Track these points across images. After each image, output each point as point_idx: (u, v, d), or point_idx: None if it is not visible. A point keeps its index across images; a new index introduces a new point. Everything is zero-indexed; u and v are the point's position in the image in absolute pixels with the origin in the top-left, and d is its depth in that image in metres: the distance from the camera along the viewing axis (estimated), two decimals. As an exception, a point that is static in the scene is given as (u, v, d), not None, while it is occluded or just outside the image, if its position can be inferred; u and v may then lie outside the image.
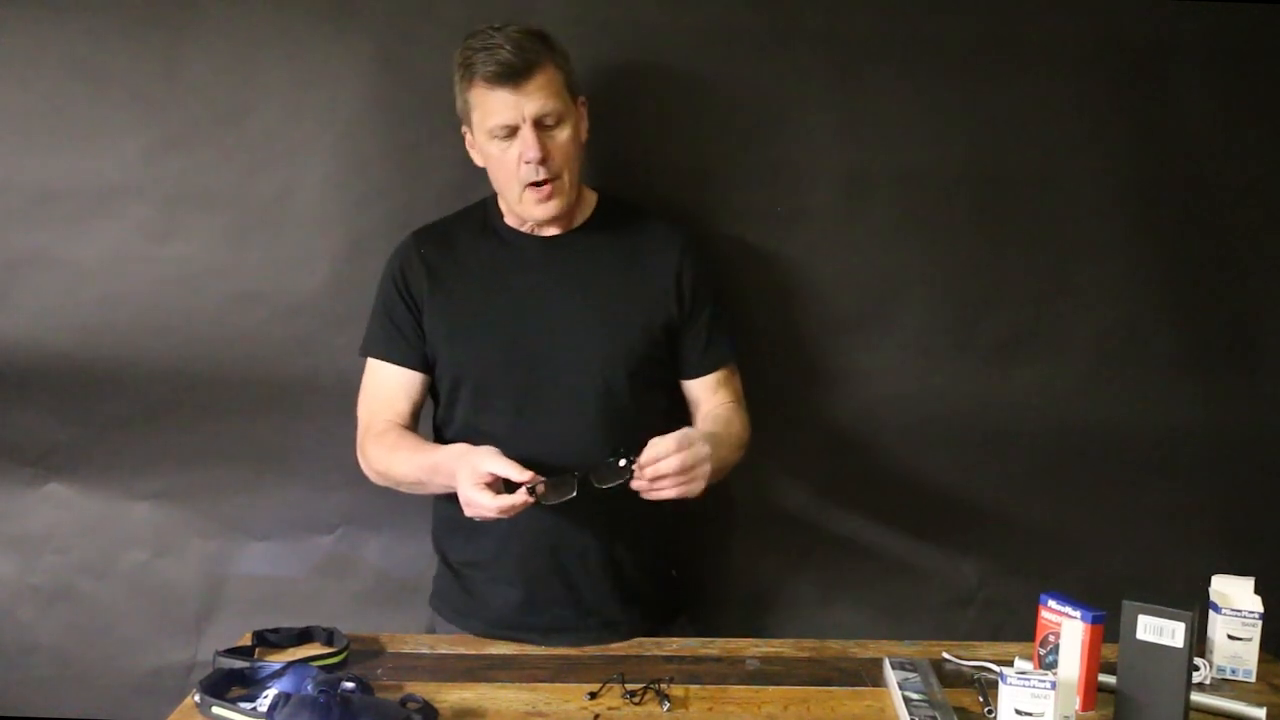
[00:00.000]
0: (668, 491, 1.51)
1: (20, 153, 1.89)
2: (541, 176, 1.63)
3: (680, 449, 1.50)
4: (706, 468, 1.53)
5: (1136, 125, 1.92)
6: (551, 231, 1.73)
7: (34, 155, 1.89)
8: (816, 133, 1.92)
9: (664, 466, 1.50)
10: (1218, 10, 1.89)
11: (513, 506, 1.49)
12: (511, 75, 1.58)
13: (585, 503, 1.53)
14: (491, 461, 1.51)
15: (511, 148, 1.63)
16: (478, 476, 1.51)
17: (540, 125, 1.61)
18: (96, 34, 1.86)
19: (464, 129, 1.70)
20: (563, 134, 1.64)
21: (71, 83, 1.87)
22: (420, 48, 1.88)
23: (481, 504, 1.50)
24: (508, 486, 1.51)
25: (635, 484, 1.51)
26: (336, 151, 1.90)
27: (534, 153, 1.61)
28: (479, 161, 1.70)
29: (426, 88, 1.87)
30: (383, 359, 1.74)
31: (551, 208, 1.66)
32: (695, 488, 1.53)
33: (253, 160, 1.90)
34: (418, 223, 1.83)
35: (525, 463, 1.53)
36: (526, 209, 1.67)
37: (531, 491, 1.49)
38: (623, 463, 1.51)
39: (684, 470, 1.50)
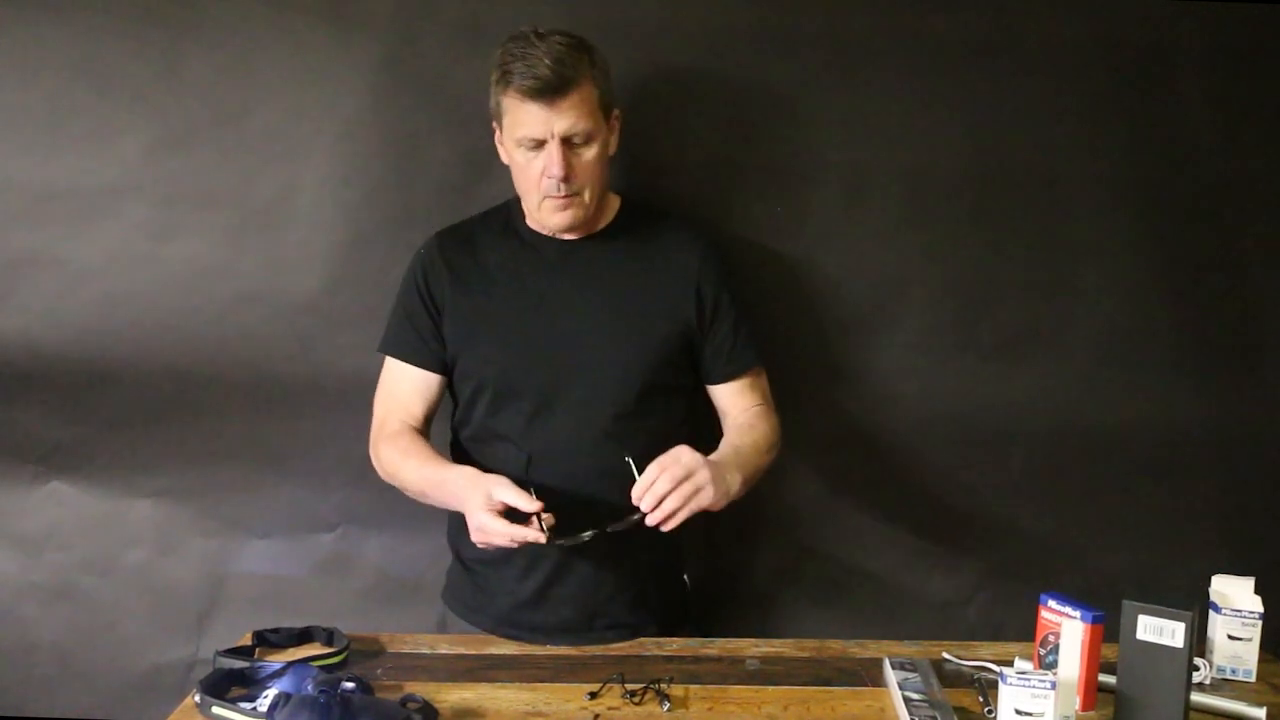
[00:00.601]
0: (679, 512, 1.49)
1: (20, 153, 1.89)
2: (563, 193, 1.62)
3: (663, 469, 1.49)
4: (705, 473, 1.51)
5: (1136, 125, 1.92)
6: (573, 235, 1.72)
7: (34, 155, 1.89)
8: (817, 133, 1.91)
9: (659, 487, 1.48)
10: (1218, 10, 1.89)
11: (525, 539, 1.49)
12: (546, 92, 1.57)
13: (599, 504, 1.54)
14: (503, 491, 1.51)
15: (537, 160, 1.62)
16: (490, 504, 1.50)
17: (568, 143, 1.61)
18: (96, 34, 1.86)
19: (494, 124, 1.69)
20: (589, 152, 1.63)
21: (71, 83, 1.87)
22: (421, 47, 1.88)
23: (494, 531, 1.50)
24: (515, 517, 1.51)
25: (649, 517, 1.49)
26: (336, 151, 1.90)
27: (557, 170, 1.60)
28: (505, 160, 1.69)
29: (427, 87, 1.88)
30: (400, 359, 1.74)
31: (568, 217, 1.66)
32: (705, 497, 1.50)
33: (253, 160, 1.90)
34: (418, 223, 1.83)
35: (540, 466, 1.54)
36: (545, 217, 1.67)
37: (549, 533, 1.49)
38: (636, 515, 1.51)
39: (681, 481, 1.49)
